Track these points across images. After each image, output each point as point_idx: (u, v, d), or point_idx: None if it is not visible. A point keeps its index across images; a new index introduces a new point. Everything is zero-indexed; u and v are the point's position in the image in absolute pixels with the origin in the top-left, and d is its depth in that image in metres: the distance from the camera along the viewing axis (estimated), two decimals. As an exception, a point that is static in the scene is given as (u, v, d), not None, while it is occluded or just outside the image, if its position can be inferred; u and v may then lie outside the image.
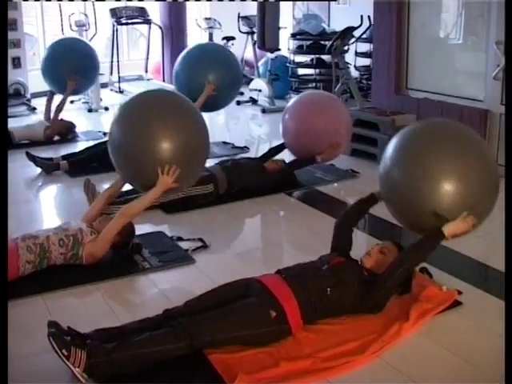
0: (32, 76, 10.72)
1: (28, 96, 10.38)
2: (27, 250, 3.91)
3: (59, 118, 8.06)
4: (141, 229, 4.61)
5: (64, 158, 6.65)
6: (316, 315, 3.29)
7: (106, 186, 5.37)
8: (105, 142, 7.01)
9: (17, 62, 10.45)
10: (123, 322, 3.25)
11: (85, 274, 4.03)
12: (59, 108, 8.01)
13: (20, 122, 8.50)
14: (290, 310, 3.15)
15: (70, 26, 11.02)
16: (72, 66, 7.98)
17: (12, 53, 10.38)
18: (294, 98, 6.35)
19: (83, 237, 4.09)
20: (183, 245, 4.47)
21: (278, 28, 9.63)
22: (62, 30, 10.98)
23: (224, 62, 6.95)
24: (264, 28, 9.30)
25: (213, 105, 6.84)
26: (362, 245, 4.20)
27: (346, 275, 3.36)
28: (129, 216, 4.12)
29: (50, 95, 8.21)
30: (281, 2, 9.73)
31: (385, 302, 3.42)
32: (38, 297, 3.75)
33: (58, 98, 8.11)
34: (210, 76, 6.65)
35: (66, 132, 8.01)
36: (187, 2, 11.72)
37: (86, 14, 11.41)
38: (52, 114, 8.00)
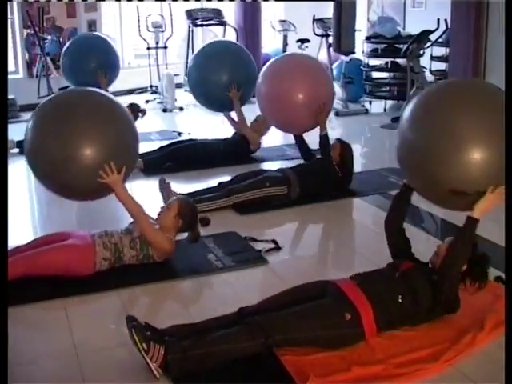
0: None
1: (104, 94, 10.54)
2: (104, 247, 4.00)
3: None
4: (214, 229, 4.65)
5: (139, 156, 6.72)
6: (392, 324, 3.25)
7: (181, 184, 5.48)
8: (179, 142, 7.16)
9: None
10: (196, 320, 3.29)
11: (158, 272, 4.09)
12: None
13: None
14: (365, 315, 3.14)
15: (147, 27, 11.22)
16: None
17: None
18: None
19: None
20: (256, 246, 4.49)
21: (354, 30, 9.55)
22: (139, 30, 11.18)
23: (233, 58, 7.03)
24: (340, 30, 9.20)
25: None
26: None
27: (416, 281, 3.28)
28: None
29: None
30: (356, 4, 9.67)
31: (454, 297, 3.29)
32: (112, 292, 3.84)
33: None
34: (225, 78, 6.78)
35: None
36: (262, 5, 11.75)
37: (162, 16, 11.58)
38: None
